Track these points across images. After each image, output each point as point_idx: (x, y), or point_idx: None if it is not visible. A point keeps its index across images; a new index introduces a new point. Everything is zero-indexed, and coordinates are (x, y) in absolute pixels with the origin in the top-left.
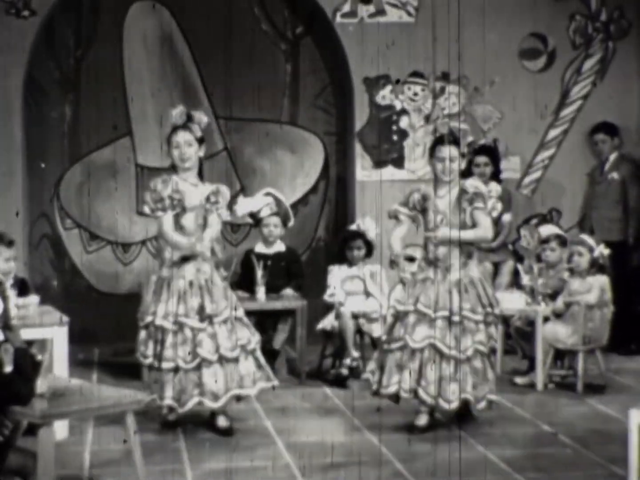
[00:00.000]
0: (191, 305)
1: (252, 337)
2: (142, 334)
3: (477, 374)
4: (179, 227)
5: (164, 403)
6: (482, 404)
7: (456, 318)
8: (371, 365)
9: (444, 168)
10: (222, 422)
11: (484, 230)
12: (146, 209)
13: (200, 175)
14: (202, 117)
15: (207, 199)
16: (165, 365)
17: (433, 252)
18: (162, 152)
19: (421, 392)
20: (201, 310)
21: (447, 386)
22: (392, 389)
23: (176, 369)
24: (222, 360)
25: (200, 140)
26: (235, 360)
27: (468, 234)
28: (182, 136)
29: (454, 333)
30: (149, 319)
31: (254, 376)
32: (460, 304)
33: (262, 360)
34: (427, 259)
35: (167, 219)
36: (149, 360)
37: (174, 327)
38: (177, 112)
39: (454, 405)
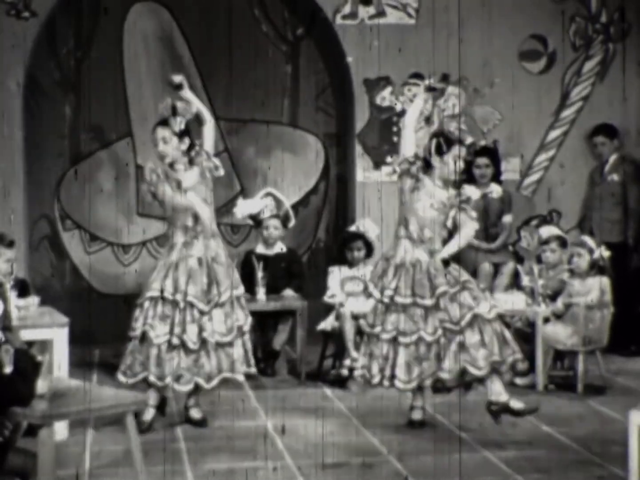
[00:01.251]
0: (201, 287)
1: (246, 319)
2: (147, 304)
3: (499, 337)
4: (185, 208)
5: (165, 382)
6: (507, 364)
7: (458, 287)
8: (363, 361)
9: (449, 170)
10: (195, 414)
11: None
12: (148, 197)
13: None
14: (187, 108)
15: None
16: (173, 341)
17: (418, 233)
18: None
19: (443, 375)
20: (208, 291)
21: (476, 353)
22: (414, 383)
23: (174, 347)
24: (217, 343)
25: (182, 134)
26: (230, 344)
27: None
28: (159, 133)
29: (459, 301)
30: (155, 293)
31: (243, 359)
32: (459, 276)
33: (249, 344)
34: (412, 238)
35: (169, 190)
36: (155, 334)
37: (183, 305)
38: (163, 106)
39: (485, 370)
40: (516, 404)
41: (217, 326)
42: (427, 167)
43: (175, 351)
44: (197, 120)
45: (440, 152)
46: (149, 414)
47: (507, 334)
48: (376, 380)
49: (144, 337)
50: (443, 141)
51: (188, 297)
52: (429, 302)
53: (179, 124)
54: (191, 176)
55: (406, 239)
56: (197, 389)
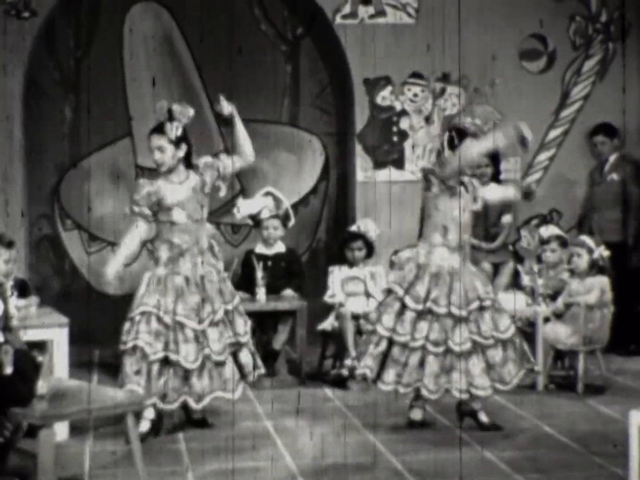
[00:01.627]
0: (190, 306)
1: (246, 326)
2: (138, 318)
3: (516, 350)
4: (170, 224)
5: (151, 400)
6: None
7: (487, 303)
8: (368, 361)
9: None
10: (194, 414)
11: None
12: (126, 209)
13: (189, 164)
14: (184, 111)
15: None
16: (170, 358)
17: (458, 240)
18: None
19: (473, 390)
20: (199, 310)
21: (502, 370)
22: (440, 393)
23: (166, 365)
24: (211, 362)
25: (179, 141)
26: (222, 363)
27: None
28: (154, 141)
29: (487, 319)
30: (147, 308)
31: (242, 373)
32: (486, 288)
33: (252, 348)
34: (450, 246)
35: (134, 228)
36: (149, 350)
37: (172, 324)
38: (158, 108)
39: (512, 384)
40: (484, 417)
41: (213, 345)
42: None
43: (165, 369)
44: (233, 146)
45: (452, 146)
46: (145, 427)
47: (525, 346)
48: (389, 387)
49: (134, 350)
50: (456, 135)
51: (177, 316)
52: (464, 312)
53: (175, 129)
54: (181, 191)
55: (443, 246)
56: (185, 407)
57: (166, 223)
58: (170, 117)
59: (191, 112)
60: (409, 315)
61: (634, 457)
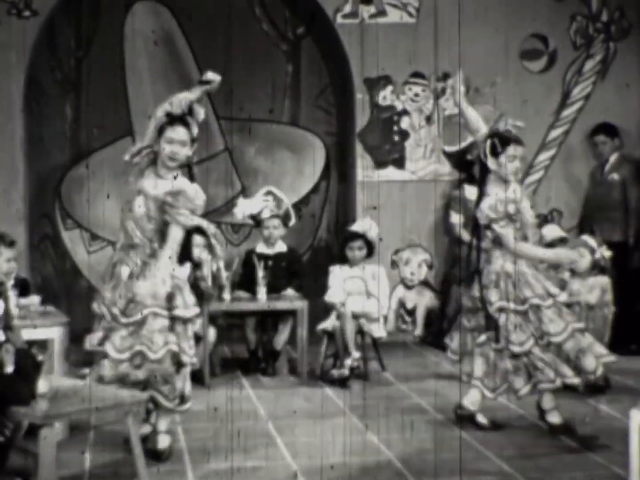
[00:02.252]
0: (119, 294)
1: (188, 349)
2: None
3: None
4: (129, 210)
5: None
6: None
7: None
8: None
9: (515, 168)
10: (161, 441)
11: None
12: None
13: (191, 175)
14: (201, 111)
15: (164, 202)
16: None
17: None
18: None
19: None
20: (128, 302)
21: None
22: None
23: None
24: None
25: (194, 140)
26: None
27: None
28: (180, 133)
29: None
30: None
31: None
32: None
33: (187, 384)
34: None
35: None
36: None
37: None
38: (179, 99)
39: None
40: (482, 419)
41: (147, 341)
42: (484, 170)
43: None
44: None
45: (495, 153)
46: (146, 429)
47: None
48: (525, 390)
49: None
50: (498, 141)
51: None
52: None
53: (195, 127)
54: (157, 187)
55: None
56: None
57: (126, 207)
58: (190, 113)
59: (202, 114)
60: (516, 319)
61: (635, 456)
